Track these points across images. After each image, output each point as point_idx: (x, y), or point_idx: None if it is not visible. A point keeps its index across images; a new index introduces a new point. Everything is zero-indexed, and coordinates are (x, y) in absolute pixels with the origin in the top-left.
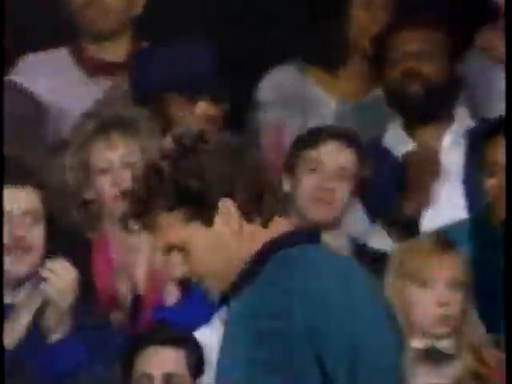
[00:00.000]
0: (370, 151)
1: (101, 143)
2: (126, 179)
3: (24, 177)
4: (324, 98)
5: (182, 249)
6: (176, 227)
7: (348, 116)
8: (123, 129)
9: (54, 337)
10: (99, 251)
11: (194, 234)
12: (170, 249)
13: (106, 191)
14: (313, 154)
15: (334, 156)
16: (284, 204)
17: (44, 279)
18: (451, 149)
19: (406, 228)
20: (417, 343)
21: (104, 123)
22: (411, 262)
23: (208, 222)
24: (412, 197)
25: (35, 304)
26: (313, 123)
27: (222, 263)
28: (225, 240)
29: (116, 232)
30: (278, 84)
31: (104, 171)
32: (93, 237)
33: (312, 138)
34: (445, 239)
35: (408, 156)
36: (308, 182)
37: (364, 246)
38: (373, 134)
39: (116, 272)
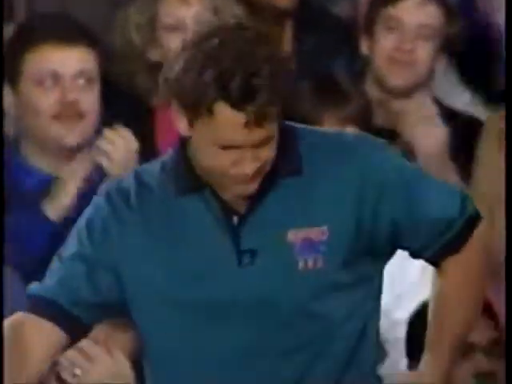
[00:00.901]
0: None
1: None
2: None
3: (75, 34)
4: None
5: None
6: None
7: None
8: None
9: None
10: (164, 121)
11: None
12: None
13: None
14: (392, 11)
15: (415, 12)
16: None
17: (101, 150)
18: None
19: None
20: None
21: None
22: None
23: None
24: None
25: (82, 173)
26: None
27: None
28: None
29: None
30: None
31: (174, 29)
32: (157, 104)
33: None
34: None
35: None
36: (386, 43)
37: (453, 110)
38: None
39: None
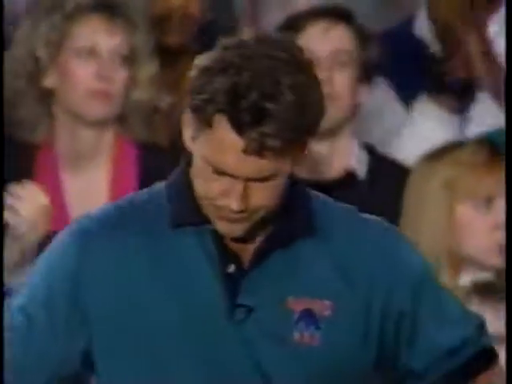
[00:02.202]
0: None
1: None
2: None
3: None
4: None
5: None
6: None
7: None
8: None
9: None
10: (45, 161)
11: None
12: None
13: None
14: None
15: (323, 38)
16: None
17: (8, 207)
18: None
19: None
20: (466, 278)
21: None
22: (463, 177)
23: None
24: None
25: None
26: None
27: None
28: None
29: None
30: None
31: (86, 54)
32: (40, 142)
33: (292, 23)
34: (492, 147)
35: None
36: None
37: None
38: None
39: None
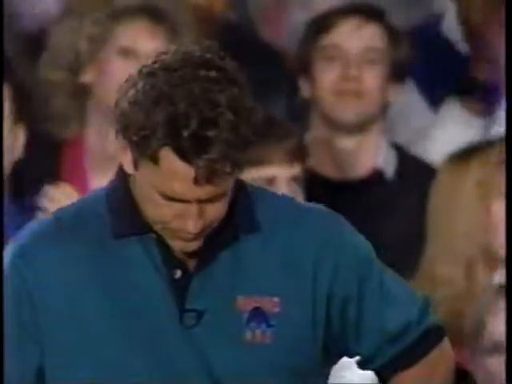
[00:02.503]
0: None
1: None
2: None
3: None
4: None
5: None
6: None
7: None
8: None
9: None
10: (73, 157)
11: None
12: None
13: None
14: (328, 39)
15: (354, 35)
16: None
17: (42, 208)
18: None
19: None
20: (501, 277)
21: None
22: (496, 176)
23: None
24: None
25: None
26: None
27: None
28: None
29: None
30: None
31: (126, 54)
32: (68, 137)
33: (323, 20)
34: None
35: None
36: (328, 75)
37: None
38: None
39: None
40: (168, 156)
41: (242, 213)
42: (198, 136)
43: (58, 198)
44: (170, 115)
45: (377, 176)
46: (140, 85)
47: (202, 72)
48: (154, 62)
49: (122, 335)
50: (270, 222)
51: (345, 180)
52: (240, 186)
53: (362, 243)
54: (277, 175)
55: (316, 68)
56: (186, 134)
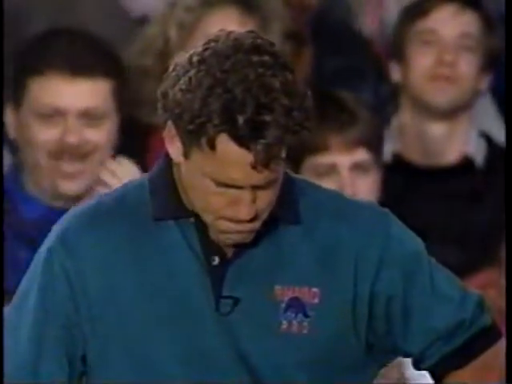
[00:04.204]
0: None
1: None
2: None
3: (89, 62)
4: None
5: None
6: None
7: None
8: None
9: None
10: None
11: None
12: None
13: None
14: (424, 24)
15: (452, 21)
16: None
17: (103, 182)
18: None
19: None
20: None
21: None
22: None
23: None
24: None
25: None
26: None
27: None
28: None
29: None
30: None
31: None
32: (158, 124)
33: (421, 5)
34: None
35: None
36: (423, 59)
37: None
38: None
39: None
40: (225, 142)
41: (284, 203)
42: (254, 121)
43: (120, 174)
44: (225, 101)
45: (467, 164)
46: (192, 72)
47: (255, 58)
48: (205, 50)
49: (158, 319)
50: (312, 214)
51: (432, 167)
52: (285, 178)
53: (409, 239)
54: (337, 162)
55: (410, 52)
56: (242, 119)
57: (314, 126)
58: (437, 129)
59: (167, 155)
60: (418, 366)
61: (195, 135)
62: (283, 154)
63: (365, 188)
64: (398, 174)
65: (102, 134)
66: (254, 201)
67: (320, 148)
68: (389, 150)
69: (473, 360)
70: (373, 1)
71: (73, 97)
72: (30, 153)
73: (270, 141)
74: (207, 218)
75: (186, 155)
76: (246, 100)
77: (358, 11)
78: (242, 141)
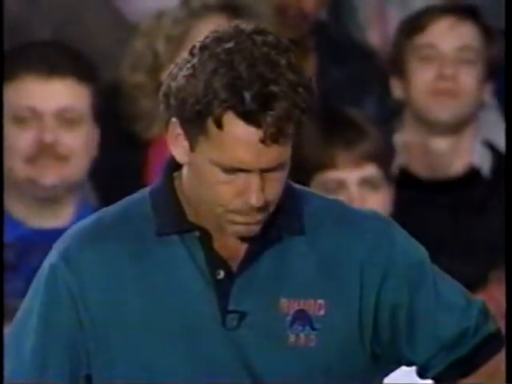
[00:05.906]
0: None
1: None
2: None
3: (62, 66)
4: None
5: None
6: None
7: None
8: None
9: None
10: (159, 157)
11: None
12: None
13: None
14: (422, 38)
15: (449, 34)
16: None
17: None
18: None
19: None
20: None
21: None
22: None
23: None
24: None
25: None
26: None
27: None
28: None
29: None
30: None
31: None
32: (154, 138)
33: (418, 19)
34: None
35: None
36: (424, 75)
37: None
38: None
39: None
40: (232, 121)
41: (287, 214)
42: (261, 94)
43: None
44: (230, 79)
45: (473, 175)
46: (195, 59)
47: (259, 38)
48: (205, 38)
49: (164, 335)
50: (316, 224)
51: (439, 179)
52: (286, 187)
53: (414, 249)
54: (345, 178)
55: (410, 68)
56: (248, 95)
57: (321, 142)
58: (442, 143)
59: (167, 168)
60: (422, 374)
61: (201, 119)
62: (291, 131)
63: (374, 203)
64: (405, 187)
65: (78, 139)
66: (262, 189)
67: (328, 164)
68: (395, 164)
69: (478, 368)
70: (377, 14)
71: (49, 97)
72: (7, 162)
73: (279, 112)
74: (217, 210)
75: (192, 148)
76: (251, 76)
77: (364, 24)
78: (249, 117)
